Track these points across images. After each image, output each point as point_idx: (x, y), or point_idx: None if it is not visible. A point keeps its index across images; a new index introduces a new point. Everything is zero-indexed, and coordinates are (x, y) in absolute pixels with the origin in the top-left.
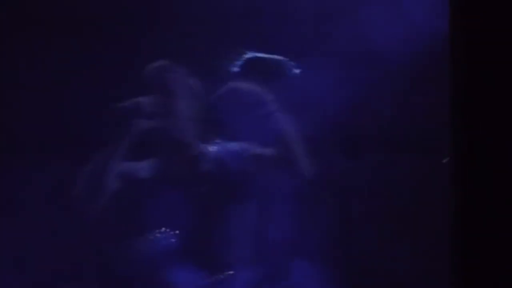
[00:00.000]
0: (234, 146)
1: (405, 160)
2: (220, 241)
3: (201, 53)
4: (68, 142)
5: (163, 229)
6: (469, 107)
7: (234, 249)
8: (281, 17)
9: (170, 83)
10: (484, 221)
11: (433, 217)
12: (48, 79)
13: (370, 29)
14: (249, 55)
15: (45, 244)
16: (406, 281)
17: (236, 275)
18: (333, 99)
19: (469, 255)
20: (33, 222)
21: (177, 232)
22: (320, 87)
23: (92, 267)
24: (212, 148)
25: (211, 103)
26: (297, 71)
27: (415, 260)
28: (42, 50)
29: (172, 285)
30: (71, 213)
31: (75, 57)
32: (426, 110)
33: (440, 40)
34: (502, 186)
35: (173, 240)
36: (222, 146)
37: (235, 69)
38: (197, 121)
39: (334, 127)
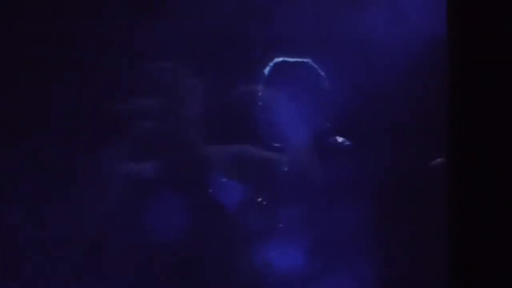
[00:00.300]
0: (238, 148)
1: (404, 161)
2: None
3: (211, 54)
4: (73, 142)
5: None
6: (466, 108)
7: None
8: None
9: (174, 84)
10: (481, 221)
11: (432, 218)
12: (51, 79)
13: (367, 30)
14: (277, 59)
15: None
16: (403, 281)
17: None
18: (330, 100)
19: (466, 255)
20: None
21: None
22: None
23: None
24: (217, 150)
25: (225, 103)
26: (323, 73)
27: (413, 260)
28: (47, 49)
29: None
30: (78, 214)
31: (80, 57)
32: (424, 110)
33: (438, 40)
34: (499, 186)
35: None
36: (226, 149)
37: (264, 72)
38: (202, 122)
39: (331, 128)
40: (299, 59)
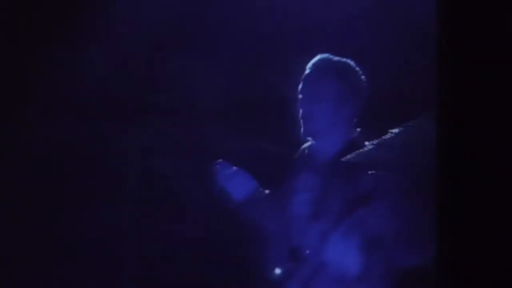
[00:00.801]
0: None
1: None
2: None
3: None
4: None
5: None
6: (456, 107)
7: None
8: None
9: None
10: (471, 221)
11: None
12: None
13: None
14: (319, 55)
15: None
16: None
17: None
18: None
19: (455, 255)
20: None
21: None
22: None
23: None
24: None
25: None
26: (363, 76)
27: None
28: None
29: None
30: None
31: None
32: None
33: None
34: (489, 185)
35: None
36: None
37: (306, 68)
38: (222, 117)
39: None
40: (343, 59)
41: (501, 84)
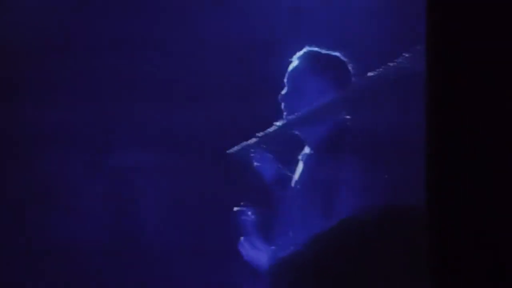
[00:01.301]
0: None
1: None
2: None
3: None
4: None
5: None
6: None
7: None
8: None
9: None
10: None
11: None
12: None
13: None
14: (308, 48)
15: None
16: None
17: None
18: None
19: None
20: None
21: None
22: None
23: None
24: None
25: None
26: (352, 70)
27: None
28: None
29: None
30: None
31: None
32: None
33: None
34: (480, 186)
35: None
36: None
37: (293, 61)
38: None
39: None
40: (331, 52)
41: (490, 81)
